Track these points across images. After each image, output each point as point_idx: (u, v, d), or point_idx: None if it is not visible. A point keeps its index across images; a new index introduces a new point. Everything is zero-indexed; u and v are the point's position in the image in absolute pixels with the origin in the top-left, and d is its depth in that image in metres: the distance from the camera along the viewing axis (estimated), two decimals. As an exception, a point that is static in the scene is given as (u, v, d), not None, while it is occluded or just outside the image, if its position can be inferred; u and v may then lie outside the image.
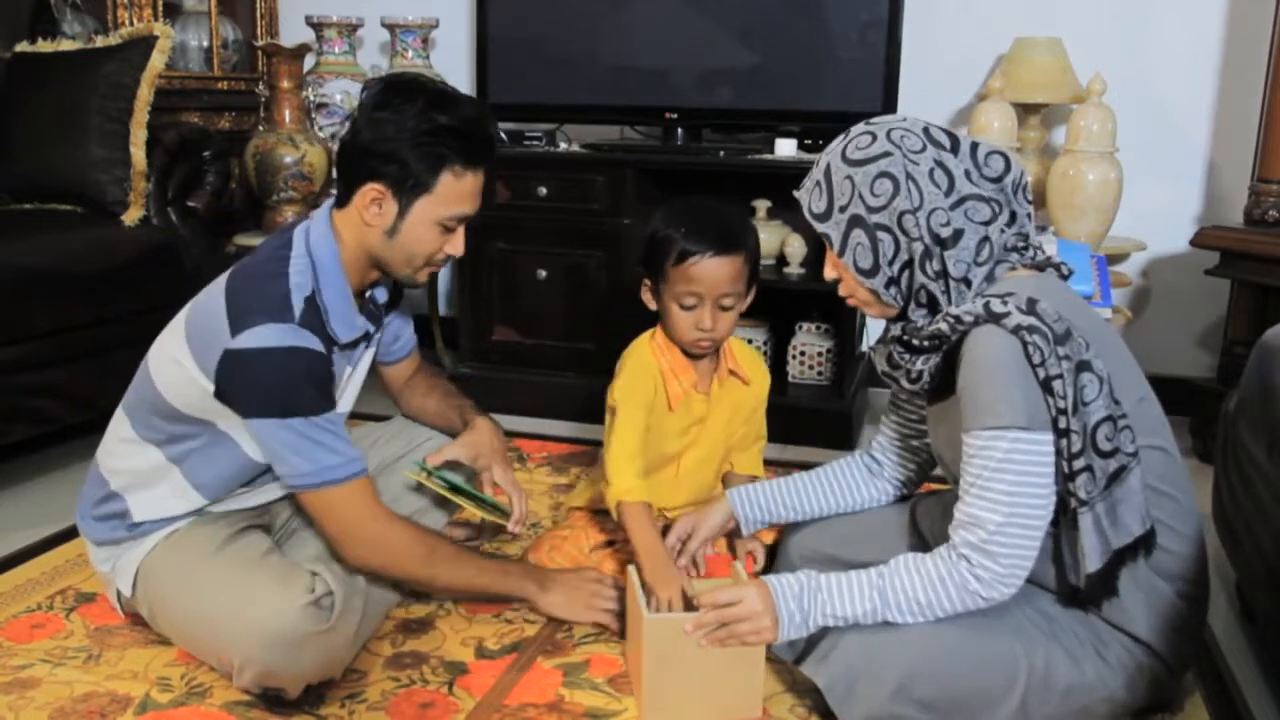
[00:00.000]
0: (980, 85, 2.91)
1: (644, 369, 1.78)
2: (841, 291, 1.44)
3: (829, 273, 1.44)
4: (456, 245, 1.55)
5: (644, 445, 1.76)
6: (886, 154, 1.34)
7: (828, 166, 1.39)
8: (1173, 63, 2.81)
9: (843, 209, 1.36)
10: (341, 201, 1.52)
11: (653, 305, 1.79)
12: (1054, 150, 2.86)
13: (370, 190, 1.47)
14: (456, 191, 1.49)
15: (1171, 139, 2.84)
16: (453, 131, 1.46)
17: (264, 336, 1.40)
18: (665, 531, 1.74)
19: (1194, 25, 2.78)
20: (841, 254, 1.38)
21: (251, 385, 1.41)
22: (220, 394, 1.43)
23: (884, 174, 1.33)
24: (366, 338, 1.62)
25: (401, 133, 1.44)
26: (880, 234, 1.34)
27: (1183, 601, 1.36)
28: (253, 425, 1.44)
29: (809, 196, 1.42)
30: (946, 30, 2.92)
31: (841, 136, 1.41)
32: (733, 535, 1.81)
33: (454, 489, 1.68)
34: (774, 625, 1.36)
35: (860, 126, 1.39)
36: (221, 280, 1.50)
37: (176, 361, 1.48)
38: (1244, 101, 2.72)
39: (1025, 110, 2.75)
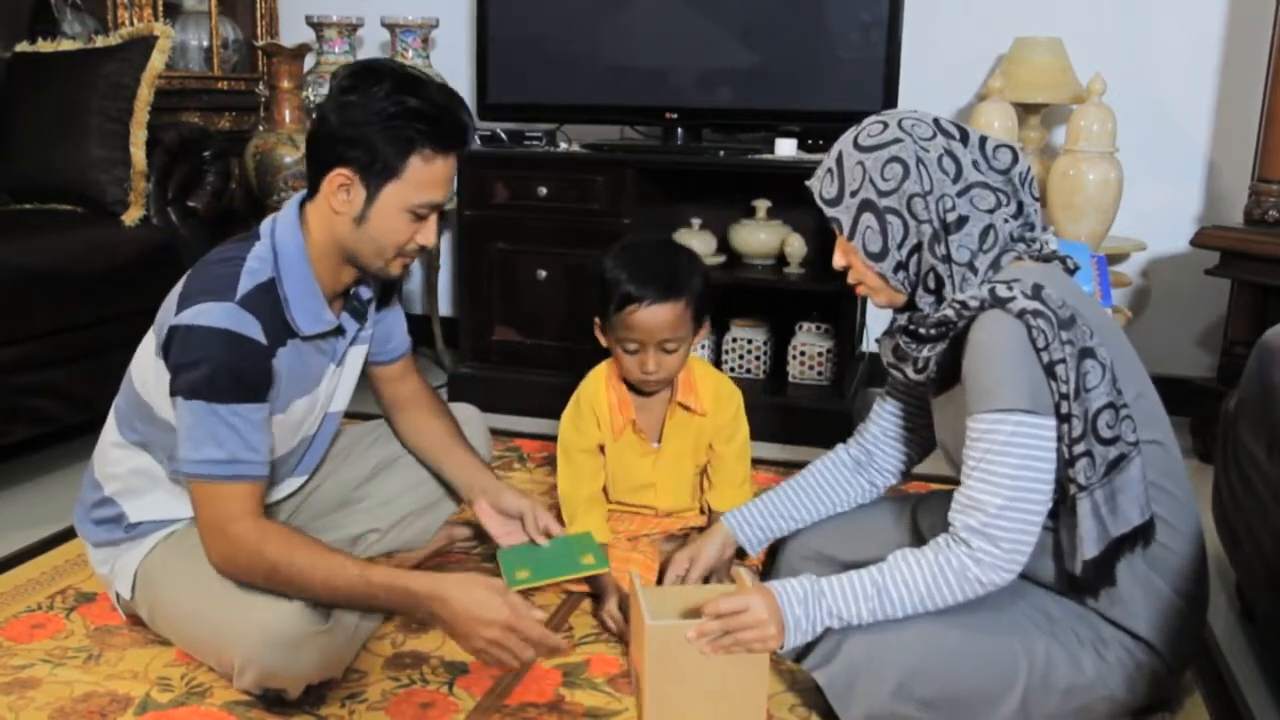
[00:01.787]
0: (980, 85, 2.92)
1: (588, 406, 1.85)
2: (851, 279, 1.45)
3: (838, 260, 1.45)
4: (428, 234, 1.48)
5: (601, 471, 1.86)
6: (897, 140, 1.36)
7: (839, 154, 1.41)
8: (1173, 63, 2.81)
9: (853, 194, 1.38)
10: (311, 192, 1.48)
11: (604, 343, 1.83)
12: (1054, 150, 2.86)
13: (338, 175, 1.42)
14: (426, 176, 1.43)
15: (1171, 139, 2.84)
16: (421, 114, 1.41)
17: (197, 314, 1.38)
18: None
19: (1194, 25, 2.78)
20: (851, 238, 1.39)
21: (178, 360, 1.39)
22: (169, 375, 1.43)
23: (895, 159, 1.35)
24: (341, 333, 1.57)
25: (369, 116, 1.39)
26: (890, 217, 1.36)
27: (1181, 599, 1.37)
28: (174, 404, 1.40)
29: (820, 183, 1.43)
30: (946, 30, 2.92)
31: (854, 127, 1.42)
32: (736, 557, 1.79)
33: (551, 573, 1.58)
34: (779, 633, 1.35)
35: (872, 117, 1.42)
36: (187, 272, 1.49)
37: (148, 354, 1.49)
38: (1244, 101, 2.72)
39: (1025, 110, 2.75)
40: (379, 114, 1.39)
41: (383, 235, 1.46)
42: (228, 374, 1.38)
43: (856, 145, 1.39)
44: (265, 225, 1.50)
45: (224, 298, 1.39)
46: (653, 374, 1.76)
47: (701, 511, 1.94)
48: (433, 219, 1.48)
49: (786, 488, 1.72)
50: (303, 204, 1.50)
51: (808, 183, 1.47)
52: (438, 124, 1.42)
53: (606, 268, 1.77)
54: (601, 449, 1.88)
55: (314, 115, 1.48)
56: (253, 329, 1.40)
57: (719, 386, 1.88)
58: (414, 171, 1.42)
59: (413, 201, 1.44)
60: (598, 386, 1.86)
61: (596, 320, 1.82)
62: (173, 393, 1.40)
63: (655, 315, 1.72)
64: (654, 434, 1.87)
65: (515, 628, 1.36)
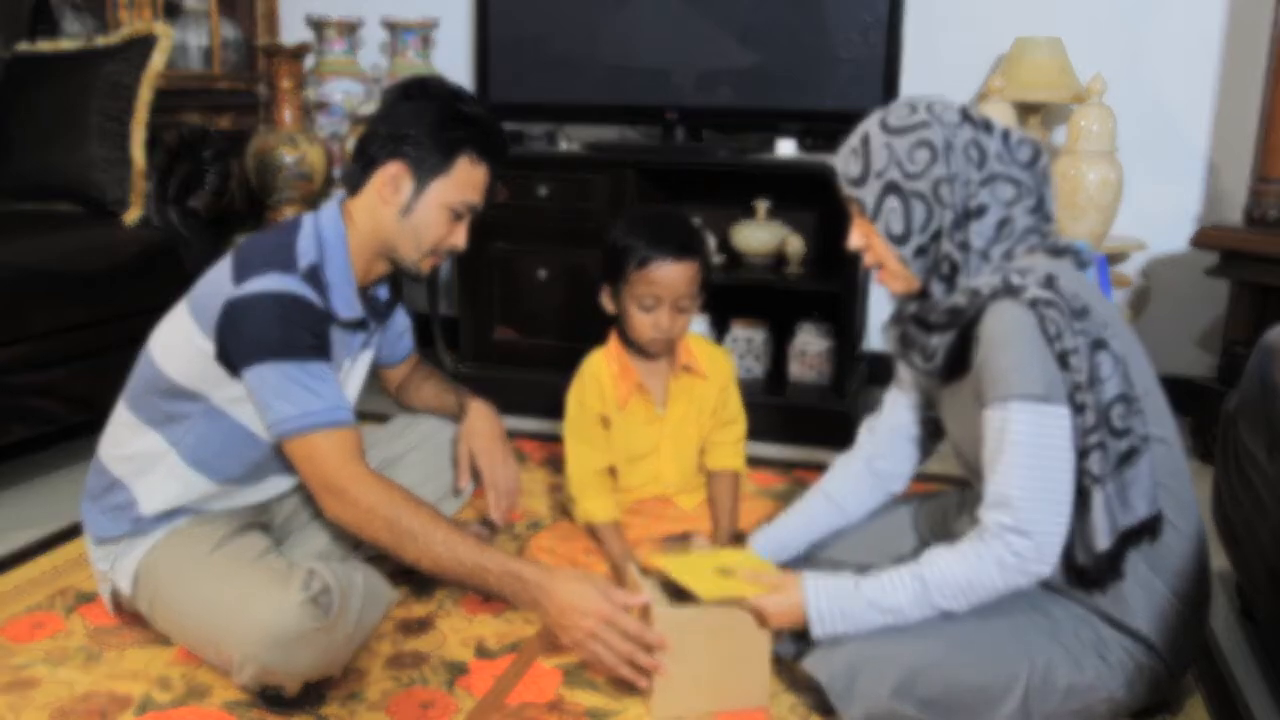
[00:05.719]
0: (980, 85, 2.91)
1: (591, 378, 1.92)
2: (868, 260, 1.45)
3: (856, 241, 1.45)
4: (460, 237, 1.60)
5: (610, 445, 1.92)
6: (926, 124, 1.37)
7: (866, 134, 1.41)
8: (1173, 63, 2.81)
9: (879, 174, 1.38)
10: (356, 187, 1.58)
11: (611, 309, 1.90)
12: (1054, 150, 2.86)
13: (391, 167, 1.53)
14: (469, 179, 1.57)
15: (1171, 139, 2.84)
16: (472, 120, 1.56)
17: (266, 283, 1.45)
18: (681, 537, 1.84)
19: (1194, 25, 2.78)
20: (875, 218, 1.39)
21: (250, 328, 1.44)
22: (220, 349, 1.47)
23: (923, 142, 1.36)
24: (365, 328, 1.63)
25: (424, 117, 1.53)
26: (914, 201, 1.36)
27: (1182, 600, 1.37)
28: (247, 375, 1.45)
29: (844, 162, 1.43)
30: (946, 30, 2.92)
31: (881, 108, 1.43)
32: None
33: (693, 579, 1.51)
34: (790, 625, 1.39)
35: (900, 100, 1.43)
36: (228, 255, 1.55)
37: (177, 328, 1.53)
38: (1244, 101, 2.72)
39: (1025, 110, 2.75)
40: (434, 117, 1.54)
41: (424, 228, 1.57)
42: (306, 333, 1.46)
43: (885, 127, 1.39)
44: (307, 217, 1.58)
45: (288, 270, 1.48)
46: (666, 331, 1.84)
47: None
48: (466, 222, 1.60)
49: (804, 508, 1.70)
50: (342, 203, 1.59)
51: (831, 160, 1.46)
52: (484, 132, 1.57)
53: (618, 234, 1.86)
54: (606, 425, 1.92)
55: (366, 121, 1.62)
56: (316, 299, 1.49)
57: (712, 351, 2.00)
58: (460, 171, 1.56)
59: (454, 200, 1.56)
60: (599, 360, 1.94)
61: (605, 288, 1.89)
62: (246, 362, 1.45)
63: (675, 271, 1.81)
64: (659, 400, 1.94)
65: (612, 621, 1.40)
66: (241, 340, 1.45)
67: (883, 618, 1.35)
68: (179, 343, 1.52)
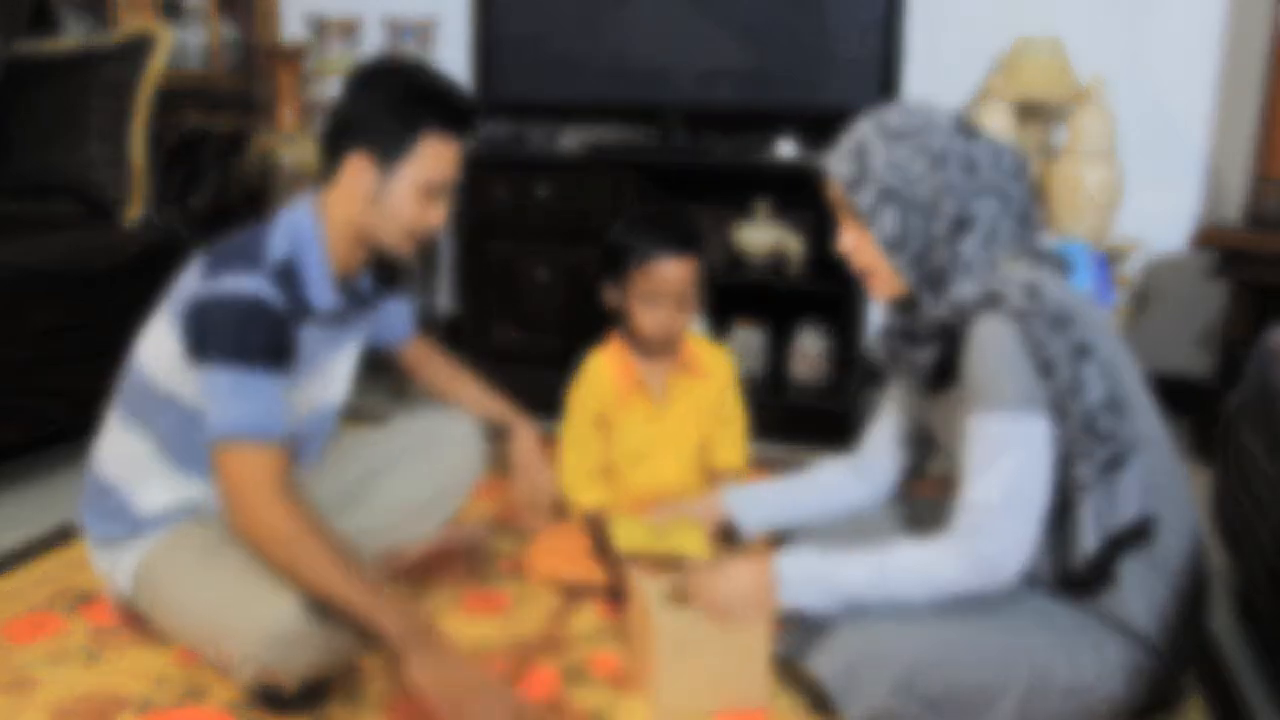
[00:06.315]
0: (980, 85, 2.92)
1: (592, 375, 1.95)
2: (857, 263, 1.45)
3: (846, 243, 1.45)
4: (437, 216, 1.57)
5: (608, 446, 1.95)
6: (924, 130, 1.36)
7: (862, 138, 1.40)
8: (1173, 63, 2.81)
9: (876, 180, 1.37)
10: (327, 177, 1.56)
11: (614, 306, 1.92)
12: (1054, 150, 2.86)
13: (356, 158, 1.51)
14: (437, 155, 1.53)
15: (1171, 139, 2.84)
16: (432, 97, 1.52)
17: (230, 283, 1.43)
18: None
19: (1194, 25, 2.78)
20: (871, 223, 1.38)
21: (207, 328, 1.43)
22: (186, 346, 1.45)
23: (921, 150, 1.35)
24: (346, 321, 1.62)
25: (384, 100, 1.51)
26: (910, 208, 1.36)
27: (1180, 599, 1.37)
28: (200, 375, 1.43)
29: (838, 166, 1.42)
30: (946, 30, 2.92)
31: (876, 111, 1.42)
32: None
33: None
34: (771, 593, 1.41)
35: (895, 105, 1.42)
36: (203, 251, 1.54)
37: (159, 329, 1.53)
38: (1244, 101, 2.73)
39: (1025, 110, 2.75)
40: (392, 98, 1.51)
41: (398, 213, 1.53)
42: (260, 338, 1.43)
43: (882, 131, 1.38)
44: (282, 212, 1.56)
45: (253, 270, 1.45)
46: (668, 328, 1.86)
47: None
48: (441, 201, 1.57)
49: (789, 480, 1.75)
50: (318, 195, 1.58)
51: (825, 163, 1.45)
52: (445, 105, 1.53)
53: (620, 231, 1.88)
54: (606, 425, 1.93)
55: (329, 111, 1.59)
56: (279, 301, 1.46)
57: (712, 350, 2.03)
58: (426, 150, 1.51)
59: (425, 180, 1.52)
60: (600, 360, 1.96)
61: (608, 286, 1.91)
62: (201, 361, 1.43)
63: (677, 267, 1.83)
64: (659, 399, 1.96)
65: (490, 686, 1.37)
66: (197, 339, 1.43)
67: (833, 588, 1.38)
68: (161, 343, 1.52)
